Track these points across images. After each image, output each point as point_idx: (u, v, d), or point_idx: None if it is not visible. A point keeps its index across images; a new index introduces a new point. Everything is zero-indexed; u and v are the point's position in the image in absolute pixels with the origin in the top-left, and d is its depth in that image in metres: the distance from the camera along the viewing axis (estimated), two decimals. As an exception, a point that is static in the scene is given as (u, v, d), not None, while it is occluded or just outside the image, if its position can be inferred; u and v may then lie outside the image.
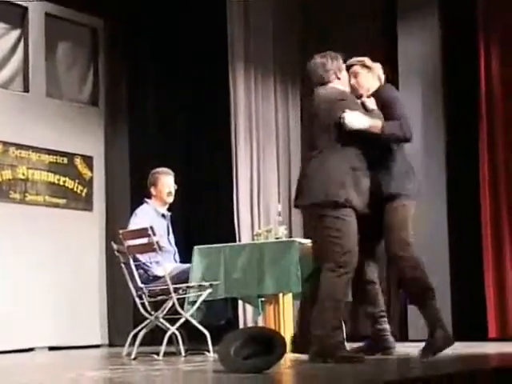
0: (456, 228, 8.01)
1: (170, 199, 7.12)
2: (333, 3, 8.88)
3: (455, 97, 8.12)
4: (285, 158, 8.89)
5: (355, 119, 5.38)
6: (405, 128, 5.54)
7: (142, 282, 6.54)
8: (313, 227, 5.48)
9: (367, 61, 5.84)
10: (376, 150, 5.55)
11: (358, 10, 8.82)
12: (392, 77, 8.44)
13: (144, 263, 6.70)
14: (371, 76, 5.82)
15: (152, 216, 7.00)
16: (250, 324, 8.25)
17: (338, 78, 5.61)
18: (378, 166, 5.55)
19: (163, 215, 7.10)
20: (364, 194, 5.38)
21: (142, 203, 7.16)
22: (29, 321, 8.15)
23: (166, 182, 7.09)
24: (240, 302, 8.22)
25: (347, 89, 5.64)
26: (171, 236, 7.12)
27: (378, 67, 5.86)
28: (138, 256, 6.63)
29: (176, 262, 7.05)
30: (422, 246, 8.01)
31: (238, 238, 8.45)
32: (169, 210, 7.19)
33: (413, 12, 8.30)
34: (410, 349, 6.70)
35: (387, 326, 5.83)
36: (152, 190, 7.10)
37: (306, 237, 5.86)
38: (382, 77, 5.87)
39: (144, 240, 6.46)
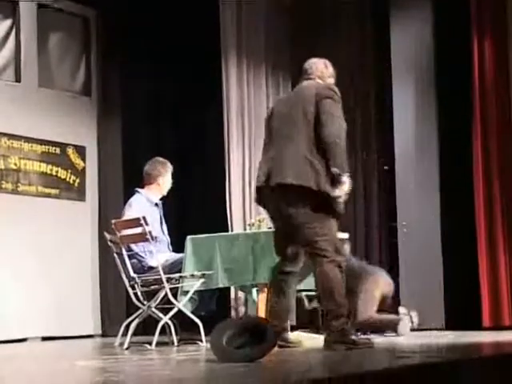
0: (449, 217, 8.03)
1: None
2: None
3: (448, 89, 8.14)
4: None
5: None
6: None
7: (136, 272, 6.54)
8: None
9: None
10: None
11: (350, 3, 8.85)
12: (385, 69, 8.54)
13: (137, 253, 6.70)
14: None
15: (146, 206, 7.01)
16: (242, 313, 8.27)
17: None
18: None
19: (156, 204, 7.11)
20: None
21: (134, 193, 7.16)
22: (22, 311, 8.14)
23: (170, 177, 7.14)
24: (232, 292, 8.24)
25: None
26: (164, 225, 7.13)
27: None
28: (133, 246, 6.64)
29: (170, 251, 7.06)
30: (415, 234, 8.08)
31: (230, 228, 8.45)
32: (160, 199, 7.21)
33: (405, 4, 8.31)
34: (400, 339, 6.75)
35: None
36: (159, 179, 7.07)
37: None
38: None
39: (137, 230, 6.46)
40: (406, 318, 7.17)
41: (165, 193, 7.15)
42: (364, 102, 8.94)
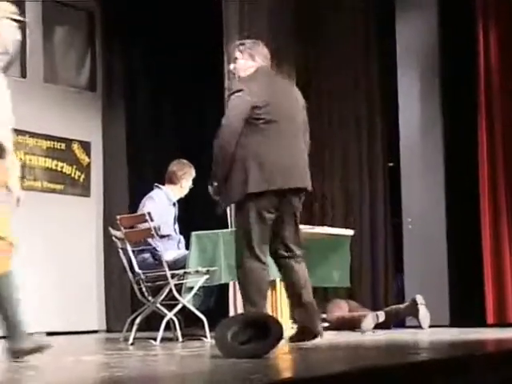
0: (454, 214, 8.02)
1: None
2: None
3: (453, 80, 8.13)
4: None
5: None
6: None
7: (147, 268, 6.54)
8: None
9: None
10: None
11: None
12: (390, 62, 8.51)
13: (155, 248, 6.70)
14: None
15: (165, 203, 7.06)
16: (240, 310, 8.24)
17: None
18: None
19: (174, 204, 7.15)
20: None
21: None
22: (27, 306, 8.13)
23: (191, 182, 7.19)
24: (231, 288, 8.22)
25: None
26: (176, 224, 7.15)
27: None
28: (150, 240, 6.64)
29: (179, 249, 7.07)
30: (420, 231, 8.08)
31: (230, 224, 8.42)
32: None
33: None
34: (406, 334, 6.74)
35: None
36: (183, 182, 7.12)
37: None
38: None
39: (142, 226, 6.47)
40: (371, 315, 7.28)
41: (183, 195, 7.18)
42: (368, 97, 8.90)
